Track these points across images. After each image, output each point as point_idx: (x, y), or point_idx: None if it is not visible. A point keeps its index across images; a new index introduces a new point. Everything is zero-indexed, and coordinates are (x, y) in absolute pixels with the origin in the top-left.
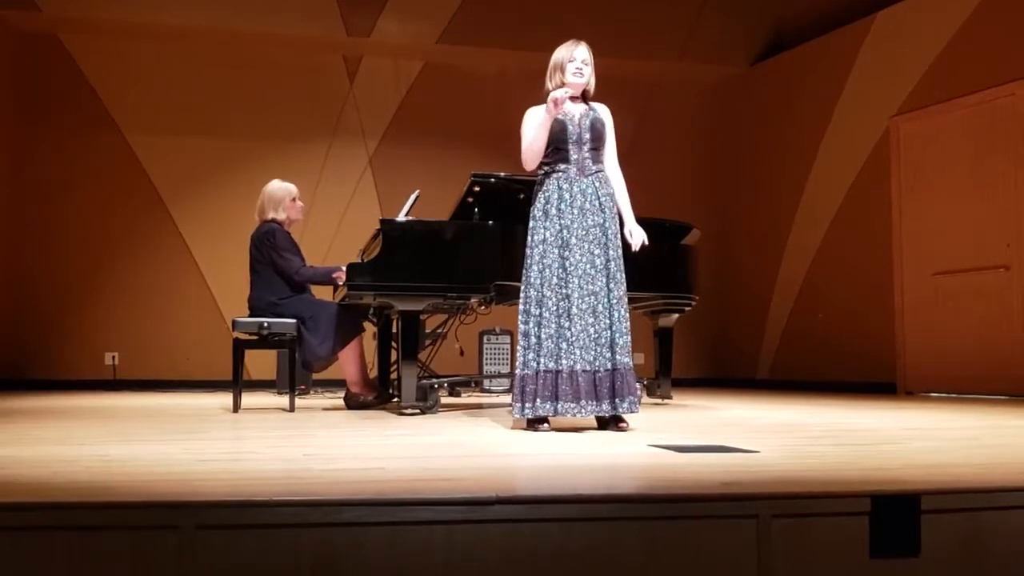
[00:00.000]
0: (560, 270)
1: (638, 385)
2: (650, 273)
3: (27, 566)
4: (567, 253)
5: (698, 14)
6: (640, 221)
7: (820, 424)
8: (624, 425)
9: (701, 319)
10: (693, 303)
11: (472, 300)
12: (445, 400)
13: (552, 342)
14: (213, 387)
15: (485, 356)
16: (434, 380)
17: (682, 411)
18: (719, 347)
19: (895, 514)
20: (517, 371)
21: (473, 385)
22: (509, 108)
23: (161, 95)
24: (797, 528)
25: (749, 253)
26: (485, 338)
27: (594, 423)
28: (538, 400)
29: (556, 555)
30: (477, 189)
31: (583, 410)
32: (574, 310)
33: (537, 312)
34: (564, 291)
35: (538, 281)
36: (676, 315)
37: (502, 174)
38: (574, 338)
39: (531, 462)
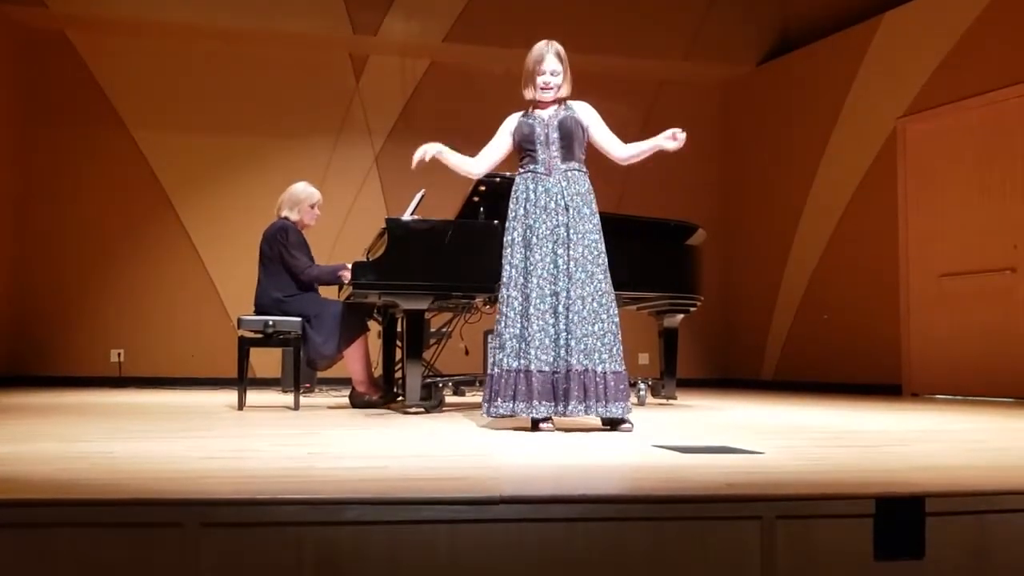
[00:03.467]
0: (523, 270)
1: (643, 387)
2: (655, 273)
3: (31, 563)
4: (529, 253)
5: (705, 13)
6: (646, 221)
7: (825, 426)
8: (626, 427)
9: (706, 319)
10: (698, 303)
11: (477, 299)
12: (449, 399)
13: (515, 341)
14: (218, 385)
15: (489, 355)
16: (438, 379)
17: (686, 412)
18: (724, 348)
19: (900, 516)
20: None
21: (477, 384)
22: (515, 108)
23: (167, 92)
24: (801, 530)
25: (754, 254)
26: (489, 337)
27: (595, 423)
28: (499, 399)
29: (560, 555)
30: (482, 189)
31: (535, 410)
32: (532, 310)
33: (505, 311)
34: (525, 291)
35: (508, 280)
36: (681, 315)
37: (507, 174)
38: (531, 337)
39: (535, 462)
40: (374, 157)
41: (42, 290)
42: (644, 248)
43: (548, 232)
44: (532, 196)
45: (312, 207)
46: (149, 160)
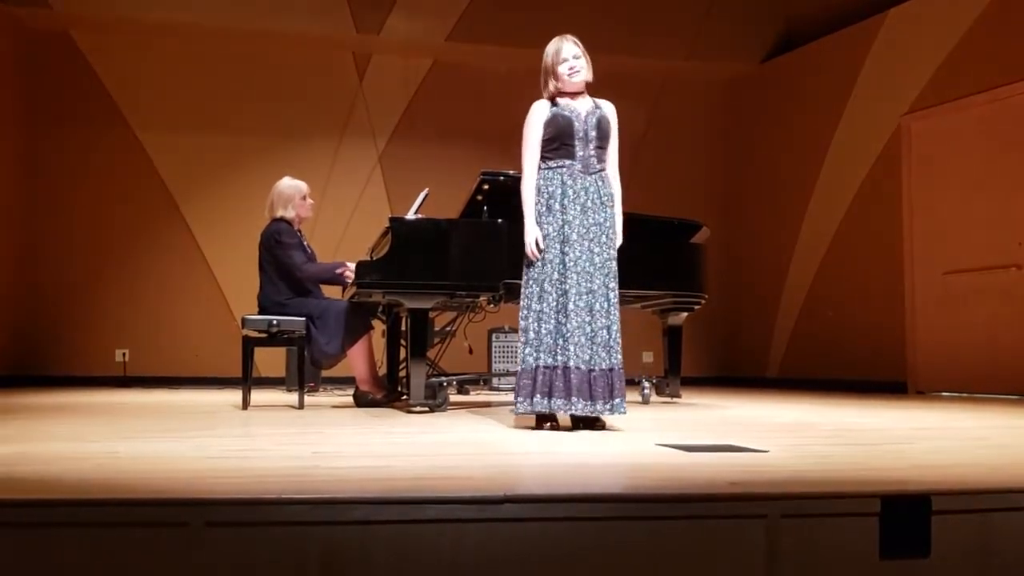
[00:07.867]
0: (560, 266)
1: (647, 385)
2: (659, 271)
3: (37, 562)
4: (567, 249)
5: (708, 11)
6: (650, 219)
7: (830, 424)
8: (601, 424)
9: (710, 317)
10: (702, 301)
11: (481, 298)
12: (454, 398)
13: (551, 338)
14: (223, 384)
15: (494, 354)
16: (443, 378)
17: (691, 410)
18: (728, 346)
19: (905, 515)
20: (518, 366)
21: (482, 383)
22: (518, 106)
23: (172, 92)
24: (806, 528)
25: (759, 251)
26: (494, 336)
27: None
28: (536, 396)
29: (565, 554)
30: (486, 187)
31: (573, 407)
32: (571, 306)
33: (538, 308)
34: (563, 287)
35: (540, 276)
36: (685, 313)
37: (511, 172)
38: (569, 334)
39: (540, 461)
40: (378, 156)
41: (47, 290)
42: (648, 246)
43: (585, 230)
44: (570, 193)
45: (304, 199)
46: (153, 160)
